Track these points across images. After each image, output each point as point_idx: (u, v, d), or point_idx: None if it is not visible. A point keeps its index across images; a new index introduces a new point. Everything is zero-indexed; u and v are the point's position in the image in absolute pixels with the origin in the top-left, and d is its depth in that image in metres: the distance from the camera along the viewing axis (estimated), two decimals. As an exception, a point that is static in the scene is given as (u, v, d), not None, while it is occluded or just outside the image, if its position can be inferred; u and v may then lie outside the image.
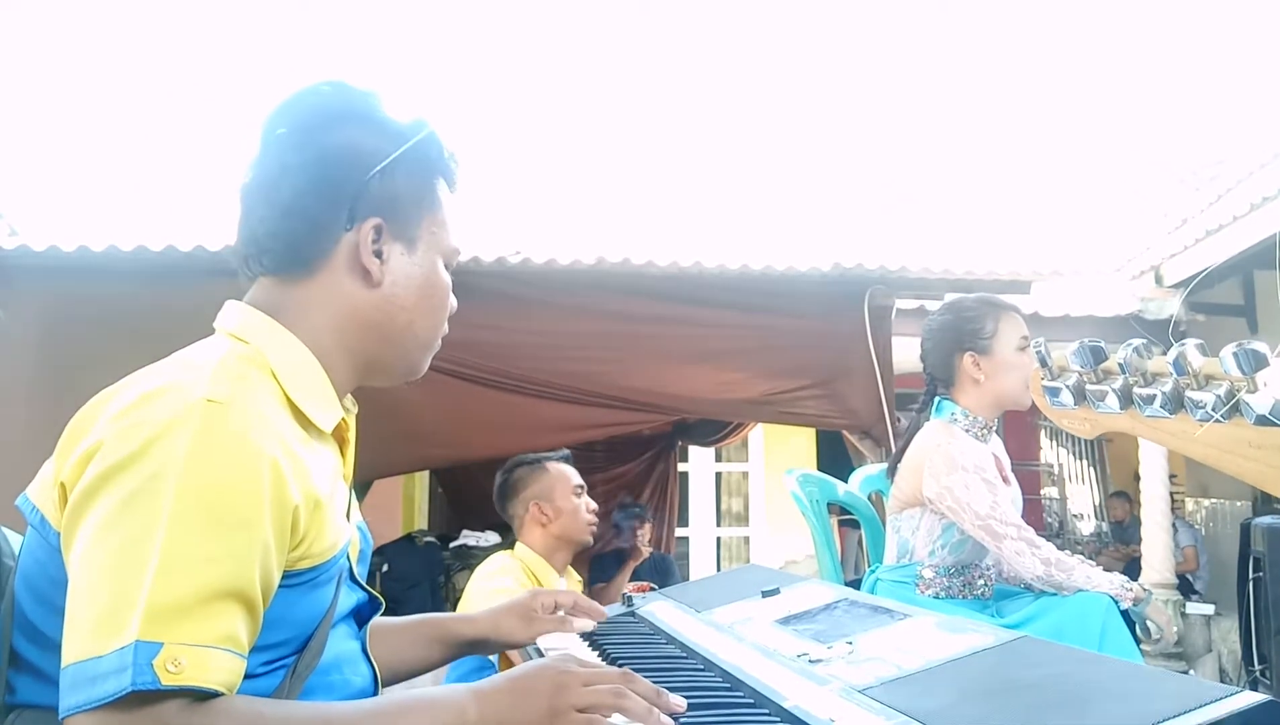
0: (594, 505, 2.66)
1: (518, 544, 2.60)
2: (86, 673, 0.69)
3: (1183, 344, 1.35)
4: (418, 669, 1.19)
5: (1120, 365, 1.44)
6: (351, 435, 1.01)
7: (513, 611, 1.23)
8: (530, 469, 2.65)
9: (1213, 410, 1.32)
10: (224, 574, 0.74)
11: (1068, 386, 1.50)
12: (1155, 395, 1.39)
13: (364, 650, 1.01)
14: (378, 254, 0.93)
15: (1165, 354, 1.39)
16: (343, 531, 0.91)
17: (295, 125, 0.93)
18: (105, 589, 0.72)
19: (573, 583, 2.74)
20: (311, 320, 0.92)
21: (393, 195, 0.94)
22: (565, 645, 1.24)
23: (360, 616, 1.01)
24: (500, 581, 2.42)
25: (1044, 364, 1.51)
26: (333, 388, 0.94)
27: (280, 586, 0.81)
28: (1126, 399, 1.43)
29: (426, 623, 1.21)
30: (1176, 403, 1.37)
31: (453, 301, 1.03)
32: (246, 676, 0.77)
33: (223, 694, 0.73)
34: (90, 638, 0.70)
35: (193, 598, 0.72)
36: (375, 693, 1.00)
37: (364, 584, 1.01)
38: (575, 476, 2.66)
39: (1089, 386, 1.48)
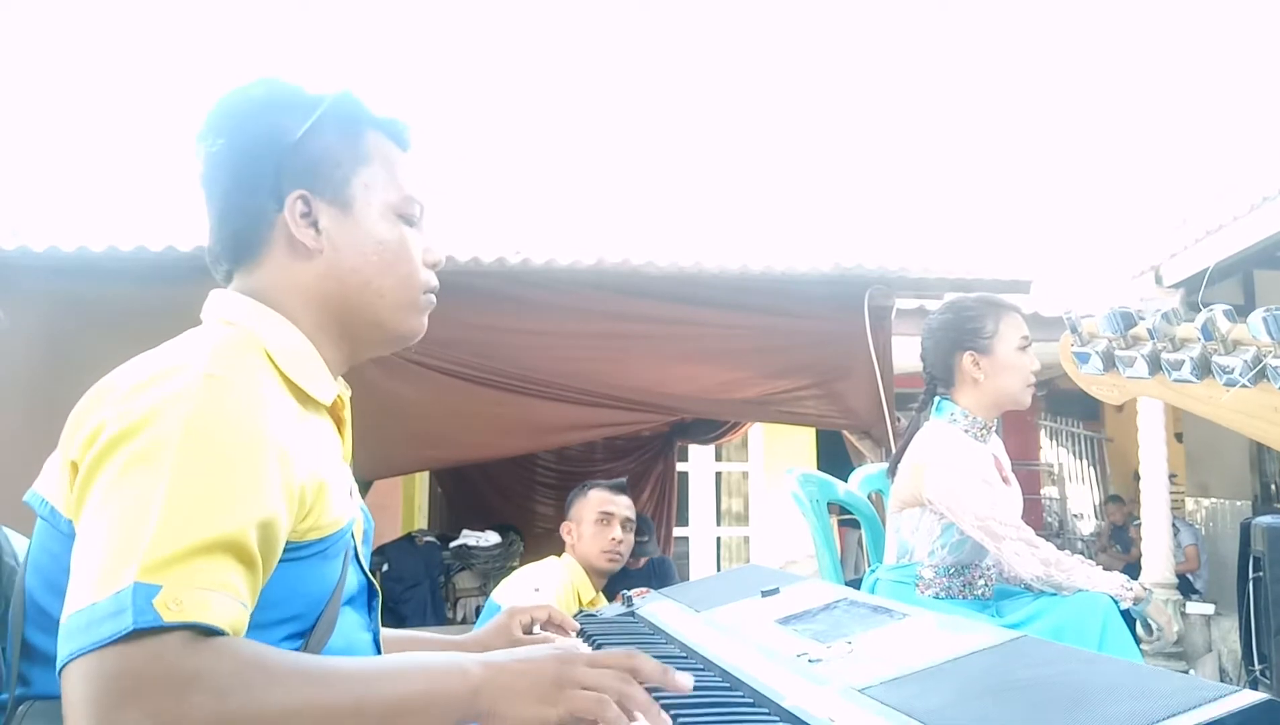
0: (618, 535, 2.71)
1: (565, 554, 2.75)
2: (83, 619, 0.68)
3: (1210, 309, 1.35)
4: None
5: (1149, 331, 1.44)
6: (348, 415, 1.01)
7: (496, 634, 1.24)
8: (579, 490, 2.80)
9: (1239, 375, 1.32)
10: (225, 528, 0.73)
11: (1097, 352, 1.50)
12: (1183, 361, 1.40)
13: (376, 643, 1.00)
14: (313, 225, 0.94)
15: (1193, 320, 1.39)
16: (348, 507, 0.92)
17: (218, 129, 0.96)
18: (106, 544, 0.71)
19: (600, 603, 2.79)
20: (283, 305, 0.94)
21: (312, 163, 0.94)
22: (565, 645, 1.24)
23: (369, 603, 1.01)
24: (540, 590, 2.55)
25: (1074, 331, 1.52)
26: (324, 366, 0.95)
27: (291, 559, 0.81)
28: (1155, 365, 1.44)
29: (417, 643, 1.20)
30: (1204, 368, 1.38)
31: (433, 254, 1.02)
32: None
33: (226, 632, 0.72)
34: (89, 588, 0.69)
35: (192, 547, 0.71)
36: None
37: (365, 568, 1.00)
38: (605, 503, 2.74)
39: (1118, 352, 1.48)
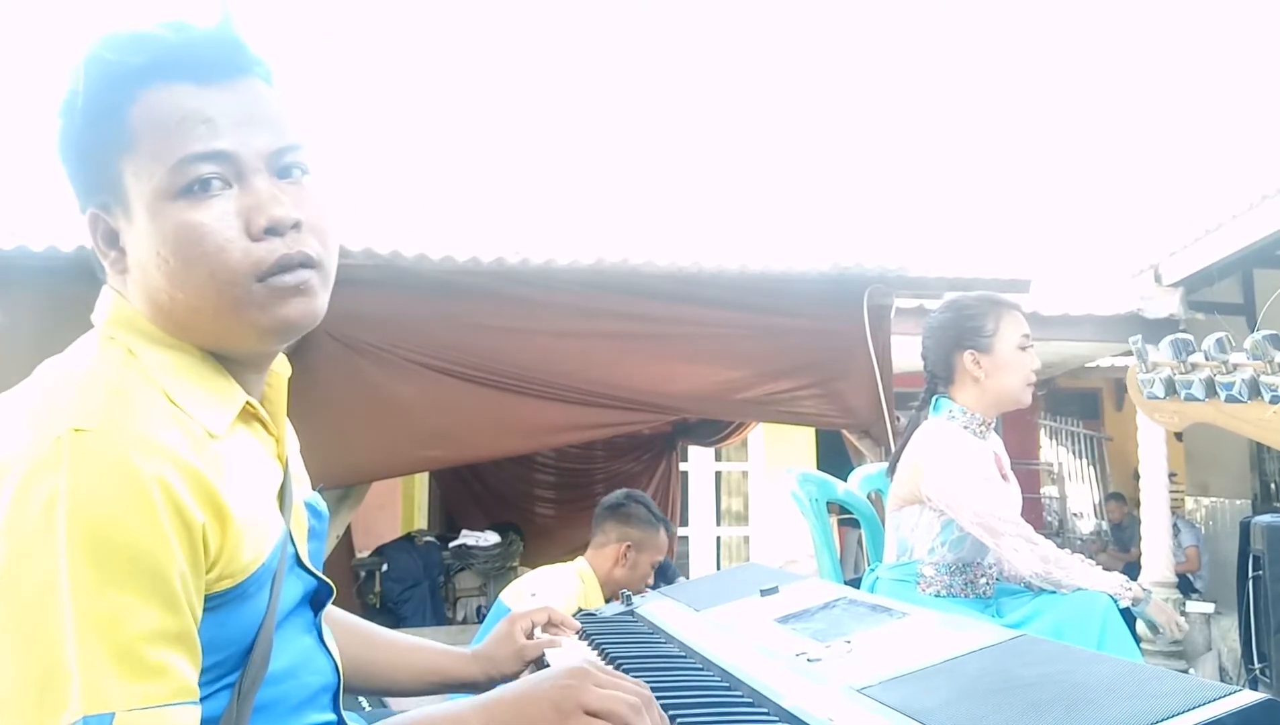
0: (650, 580, 2.74)
1: (582, 558, 2.69)
2: None
3: (1260, 333, 1.40)
4: (408, 692, 1.17)
5: (1205, 355, 1.50)
6: (282, 404, 0.89)
7: (500, 645, 1.20)
8: (648, 517, 2.72)
9: None
10: (150, 619, 0.65)
11: (1160, 380, 1.56)
12: (1234, 382, 1.45)
13: (320, 640, 0.91)
14: (114, 243, 0.80)
15: (1244, 347, 1.44)
16: (267, 535, 0.79)
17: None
18: (23, 661, 0.62)
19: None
20: (138, 323, 0.81)
21: (86, 171, 0.79)
22: (568, 649, 1.24)
23: (316, 601, 0.91)
24: (537, 595, 2.52)
25: (1141, 359, 1.58)
26: (221, 375, 0.81)
27: (204, 611, 0.72)
28: (1210, 389, 1.49)
29: (425, 653, 1.17)
30: (1254, 389, 1.43)
31: (264, 212, 0.77)
32: None
33: None
34: (29, 714, 0.61)
35: (125, 654, 0.64)
36: (337, 687, 0.91)
37: (313, 569, 0.89)
38: (663, 550, 2.76)
39: (1177, 377, 1.54)
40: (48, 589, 0.63)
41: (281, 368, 0.90)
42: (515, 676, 1.16)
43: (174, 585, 0.67)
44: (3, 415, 0.72)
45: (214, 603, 0.73)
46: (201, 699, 0.70)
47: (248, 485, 0.79)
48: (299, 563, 0.87)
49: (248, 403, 0.83)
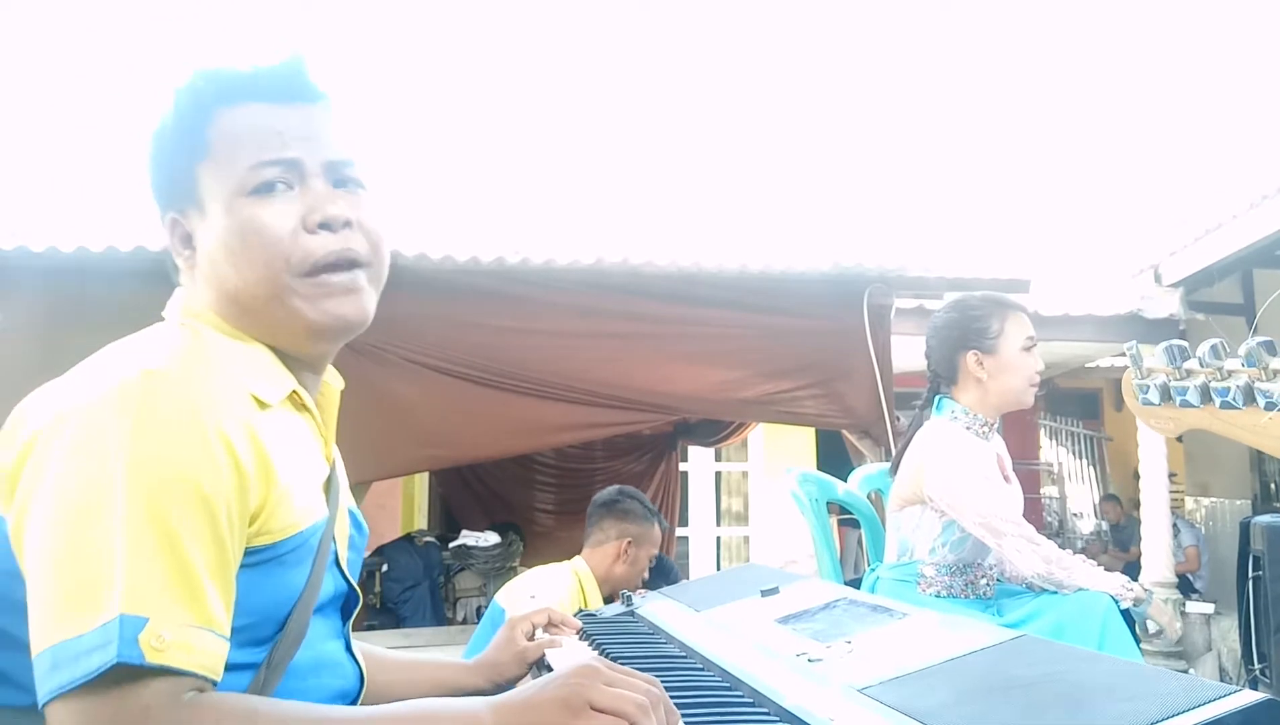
0: (646, 575, 2.75)
1: (579, 558, 2.68)
2: (67, 652, 0.66)
3: (1254, 340, 1.40)
4: None
5: (1200, 361, 1.50)
6: (333, 412, 0.96)
7: (502, 650, 1.21)
8: (644, 512, 2.73)
9: (1277, 399, 1.37)
10: (194, 549, 0.71)
11: (1155, 386, 1.57)
12: (1229, 388, 1.46)
13: (348, 648, 0.95)
14: (187, 243, 0.90)
15: (1239, 353, 1.45)
16: (311, 510, 0.85)
17: None
18: (74, 568, 0.69)
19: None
20: (205, 315, 0.90)
21: (167, 181, 0.90)
22: (569, 650, 1.24)
23: (345, 609, 0.95)
24: (536, 597, 2.49)
25: (1136, 366, 1.59)
26: (276, 364, 0.89)
27: (242, 566, 0.77)
28: (1205, 395, 1.50)
29: (428, 668, 1.17)
30: (1248, 396, 1.43)
31: (318, 211, 0.87)
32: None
33: (209, 681, 0.71)
34: (67, 617, 0.67)
35: (168, 574, 0.69)
36: (356, 696, 0.94)
37: (348, 574, 0.94)
38: (658, 543, 2.77)
39: (1172, 384, 1.54)
40: (104, 507, 0.69)
41: (335, 380, 0.98)
42: (519, 680, 1.17)
43: (220, 523, 0.73)
44: (77, 369, 0.80)
45: (251, 558, 0.78)
46: (231, 665, 0.75)
47: (293, 458, 0.84)
48: (337, 562, 0.92)
49: (296, 391, 0.89)
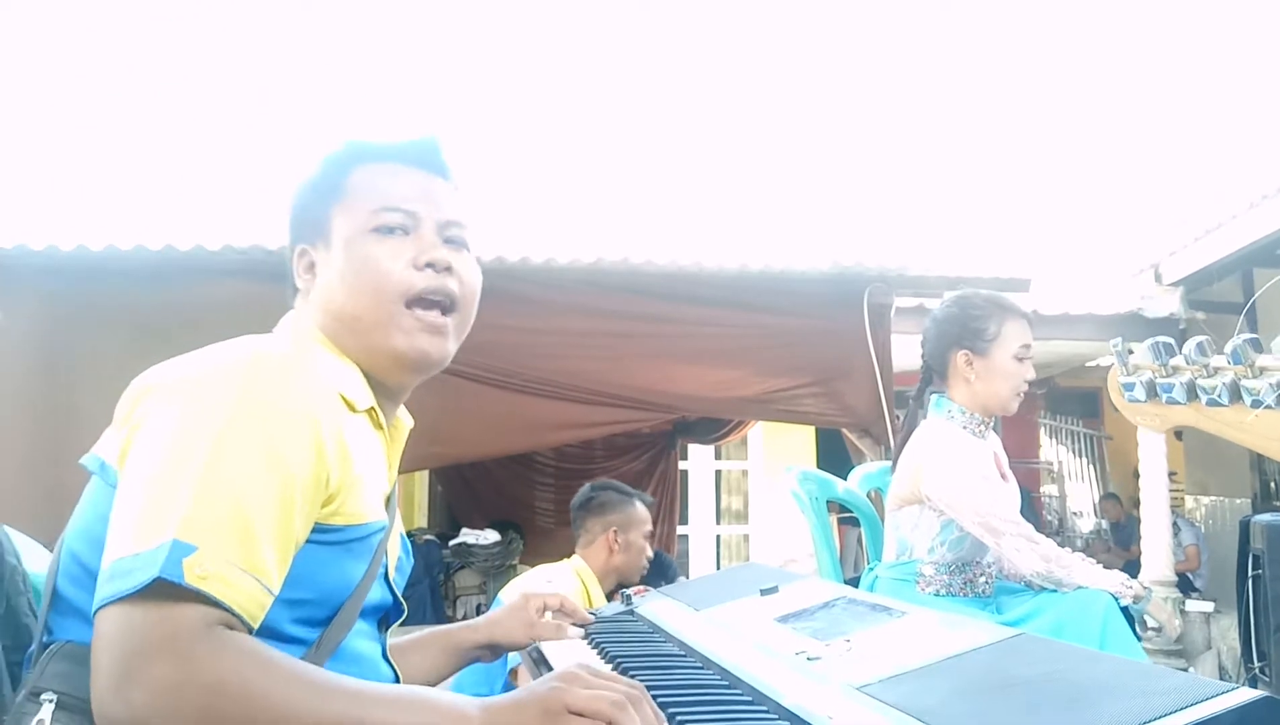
0: (649, 553, 2.77)
1: (576, 556, 2.72)
2: (123, 566, 0.73)
3: (1239, 338, 1.41)
4: (428, 679, 1.22)
5: (1186, 359, 1.50)
6: (400, 444, 1.08)
7: (511, 615, 1.29)
8: (620, 498, 2.78)
9: (1264, 397, 1.38)
10: (263, 503, 0.78)
11: (1141, 383, 1.58)
12: (1216, 386, 1.47)
13: (384, 654, 1.02)
14: (310, 270, 1.02)
15: (1224, 350, 1.46)
16: (377, 510, 0.94)
17: None
18: (149, 495, 0.76)
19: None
20: (314, 336, 1.01)
21: (301, 219, 1.04)
22: (567, 649, 1.25)
23: (385, 620, 1.03)
24: (553, 583, 2.52)
25: (1122, 363, 1.59)
26: (364, 383, 0.99)
27: (312, 541, 0.84)
28: (1191, 392, 1.51)
29: (432, 634, 1.27)
30: (1234, 393, 1.44)
31: (425, 253, 1.00)
32: (273, 636, 0.80)
33: (241, 617, 0.75)
34: (133, 538, 0.74)
35: (231, 517, 0.76)
36: None
37: (395, 588, 1.02)
38: (649, 521, 2.80)
39: (1159, 381, 1.55)
40: (192, 453, 0.77)
41: (406, 418, 1.11)
42: (519, 646, 1.29)
43: (294, 495, 0.81)
44: (193, 353, 0.88)
45: (323, 537, 0.86)
46: (289, 638, 0.84)
47: (366, 459, 0.94)
48: (386, 575, 0.99)
49: (373, 408, 0.99)
